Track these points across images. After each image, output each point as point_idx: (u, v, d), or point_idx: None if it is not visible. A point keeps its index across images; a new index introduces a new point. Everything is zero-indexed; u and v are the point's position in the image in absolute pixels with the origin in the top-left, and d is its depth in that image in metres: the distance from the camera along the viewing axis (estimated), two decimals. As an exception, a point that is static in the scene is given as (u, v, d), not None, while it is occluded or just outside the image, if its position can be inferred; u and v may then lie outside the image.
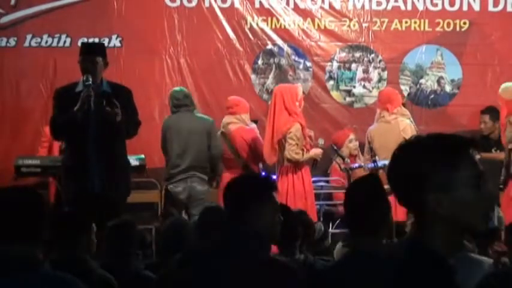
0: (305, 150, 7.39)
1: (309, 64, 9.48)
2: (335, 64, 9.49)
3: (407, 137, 7.61)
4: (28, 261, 2.60)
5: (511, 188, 7.45)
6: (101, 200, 5.87)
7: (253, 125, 8.01)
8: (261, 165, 7.86)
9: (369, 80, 9.48)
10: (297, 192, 7.26)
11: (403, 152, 2.05)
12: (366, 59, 9.46)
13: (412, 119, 8.08)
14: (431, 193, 1.96)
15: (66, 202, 5.89)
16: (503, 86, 7.75)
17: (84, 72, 5.97)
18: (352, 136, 8.69)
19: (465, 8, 9.38)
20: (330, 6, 9.43)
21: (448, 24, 9.38)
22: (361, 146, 8.38)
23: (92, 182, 5.90)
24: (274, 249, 4.13)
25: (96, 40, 9.14)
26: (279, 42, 9.45)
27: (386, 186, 7.48)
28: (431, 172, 1.97)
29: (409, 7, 9.39)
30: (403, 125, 7.68)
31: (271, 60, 9.49)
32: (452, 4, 9.38)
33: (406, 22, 9.39)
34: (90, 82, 5.89)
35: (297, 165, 7.36)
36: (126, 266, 4.18)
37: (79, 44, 9.12)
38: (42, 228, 2.67)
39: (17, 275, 2.57)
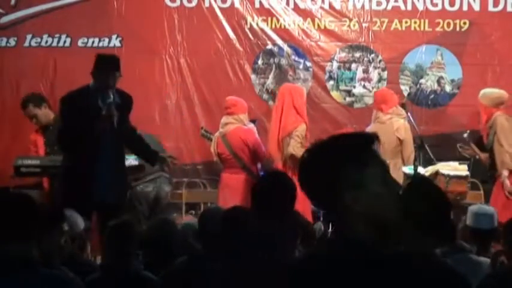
0: None
1: (309, 64, 9.48)
2: (335, 64, 9.49)
3: (401, 137, 7.72)
4: (28, 261, 2.60)
5: (500, 187, 7.59)
6: (106, 204, 5.86)
7: (252, 125, 8.02)
8: (259, 165, 7.87)
9: (369, 80, 9.47)
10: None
11: (312, 155, 2.08)
12: (366, 59, 9.46)
13: (412, 119, 8.10)
14: (346, 192, 1.99)
15: (67, 203, 5.79)
16: (482, 92, 7.94)
17: (105, 87, 5.93)
18: (352, 135, 8.70)
19: (465, 8, 9.37)
20: (330, 6, 9.42)
21: (448, 24, 9.37)
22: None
23: (102, 189, 5.87)
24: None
25: (96, 40, 9.16)
26: (279, 42, 9.44)
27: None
28: (342, 172, 2.00)
29: (409, 7, 9.38)
30: (397, 125, 7.74)
31: (271, 60, 9.49)
32: (452, 4, 9.37)
33: (406, 22, 9.39)
34: (112, 100, 5.88)
35: (297, 165, 7.37)
36: (126, 266, 4.18)
37: (79, 44, 9.18)
38: (37, 228, 2.69)
39: (17, 274, 2.57)
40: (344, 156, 2.02)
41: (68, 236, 4.25)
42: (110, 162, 5.93)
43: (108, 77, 5.94)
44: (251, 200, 3.24)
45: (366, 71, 9.47)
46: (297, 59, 9.47)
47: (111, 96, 5.86)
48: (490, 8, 9.36)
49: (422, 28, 9.37)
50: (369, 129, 7.95)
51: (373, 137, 2.07)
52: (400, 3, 9.38)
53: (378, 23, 9.39)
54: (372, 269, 1.94)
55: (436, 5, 9.37)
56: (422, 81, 9.44)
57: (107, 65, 6.10)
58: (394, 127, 7.72)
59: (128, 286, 4.10)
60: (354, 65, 9.47)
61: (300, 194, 7.51)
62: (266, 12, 9.41)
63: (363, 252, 1.96)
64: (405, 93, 9.29)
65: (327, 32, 9.44)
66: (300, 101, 7.58)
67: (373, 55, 9.44)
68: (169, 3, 9.37)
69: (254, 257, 3.04)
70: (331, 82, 9.50)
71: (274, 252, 3.13)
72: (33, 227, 2.66)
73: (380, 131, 7.77)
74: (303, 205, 7.18)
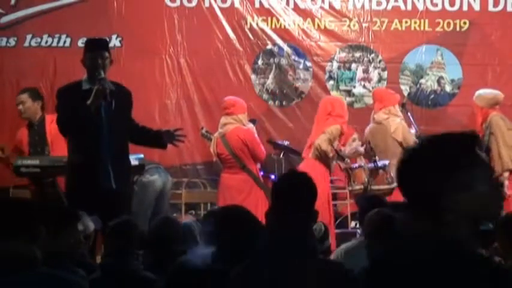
0: (333, 151, 7.67)
1: (309, 64, 9.48)
2: (335, 64, 9.49)
3: (399, 138, 7.73)
4: (29, 260, 2.60)
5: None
6: (117, 198, 5.84)
7: (251, 125, 8.02)
8: (258, 165, 7.87)
9: (369, 80, 9.48)
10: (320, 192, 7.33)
11: (418, 153, 2.07)
12: (366, 59, 9.46)
13: (412, 119, 8.10)
14: (451, 193, 1.98)
15: (76, 201, 5.72)
16: (477, 93, 8.05)
17: (94, 68, 5.86)
18: (355, 135, 8.72)
19: (465, 8, 9.38)
20: (330, 6, 9.43)
21: (448, 24, 9.38)
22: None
23: (109, 180, 5.85)
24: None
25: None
26: (279, 42, 9.44)
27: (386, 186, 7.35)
28: (451, 172, 1.99)
29: (409, 7, 9.39)
30: (395, 126, 7.76)
31: (271, 60, 9.49)
32: (452, 4, 9.38)
33: (406, 22, 9.39)
34: (103, 76, 5.84)
35: (322, 161, 7.64)
36: (126, 266, 4.18)
37: (79, 44, 9.16)
38: (39, 227, 2.69)
39: (17, 273, 2.57)
40: (454, 156, 2.01)
41: (82, 236, 4.26)
42: (111, 151, 5.89)
43: (98, 57, 5.91)
44: (272, 200, 3.19)
45: (366, 71, 9.47)
46: (297, 59, 9.48)
47: (102, 74, 5.83)
48: (490, 8, 9.38)
49: (422, 28, 9.37)
50: (368, 129, 8.00)
51: (475, 137, 2.07)
52: (400, 3, 9.39)
53: (378, 23, 9.40)
54: (467, 270, 1.95)
55: (436, 5, 9.38)
56: (422, 81, 9.45)
57: (95, 46, 6.09)
58: (392, 128, 7.74)
59: (128, 286, 4.09)
60: (354, 65, 9.48)
61: (326, 195, 7.67)
62: (266, 12, 9.41)
63: (461, 252, 1.97)
64: (405, 93, 9.30)
65: (327, 32, 9.44)
66: (339, 110, 7.80)
67: (373, 55, 9.44)
68: (169, 3, 9.38)
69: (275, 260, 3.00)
70: (331, 82, 9.51)
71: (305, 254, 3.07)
72: (36, 227, 2.66)
73: (377, 131, 7.89)
74: (323, 203, 7.25)
